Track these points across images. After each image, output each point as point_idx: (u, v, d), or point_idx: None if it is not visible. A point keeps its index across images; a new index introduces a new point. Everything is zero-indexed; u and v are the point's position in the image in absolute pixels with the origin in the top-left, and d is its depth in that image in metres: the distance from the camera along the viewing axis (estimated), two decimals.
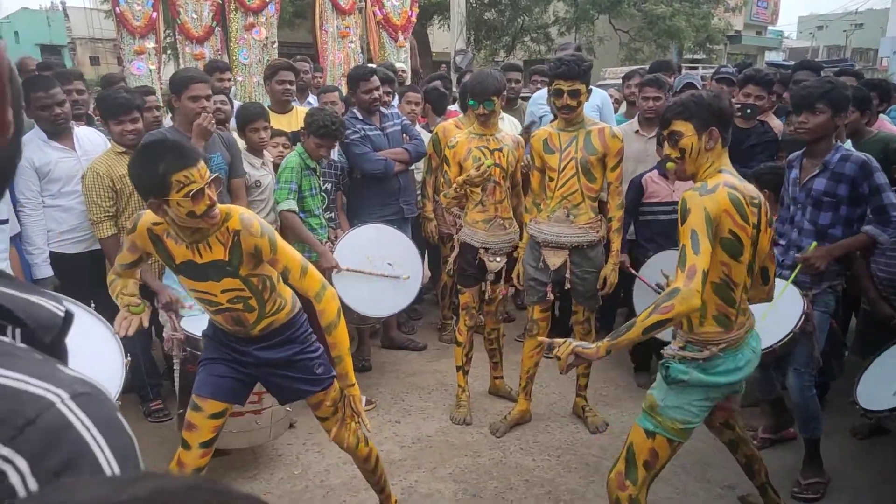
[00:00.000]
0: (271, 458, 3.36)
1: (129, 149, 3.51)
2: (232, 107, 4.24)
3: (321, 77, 6.55)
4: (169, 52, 11.44)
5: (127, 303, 2.45)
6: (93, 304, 3.34)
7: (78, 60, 27.30)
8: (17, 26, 31.59)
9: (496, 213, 3.53)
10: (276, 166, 3.91)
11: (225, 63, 5.89)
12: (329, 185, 4.03)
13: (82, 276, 3.55)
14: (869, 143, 3.56)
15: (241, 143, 3.92)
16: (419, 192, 4.60)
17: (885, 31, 38.71)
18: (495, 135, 3.51)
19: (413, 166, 4.48)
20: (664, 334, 2.47)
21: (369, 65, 5.67)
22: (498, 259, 3.56)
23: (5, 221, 3.26)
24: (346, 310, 3.79)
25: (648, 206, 3.99)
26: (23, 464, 0.48)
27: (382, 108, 4.30)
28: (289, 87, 4.42)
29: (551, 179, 3.36)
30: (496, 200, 3.51)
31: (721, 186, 2.13)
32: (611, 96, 5.64)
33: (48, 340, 0.60)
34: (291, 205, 3.57)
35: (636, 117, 4.41)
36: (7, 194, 0.67)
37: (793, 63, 7.82)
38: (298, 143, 3.75)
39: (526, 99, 5.49)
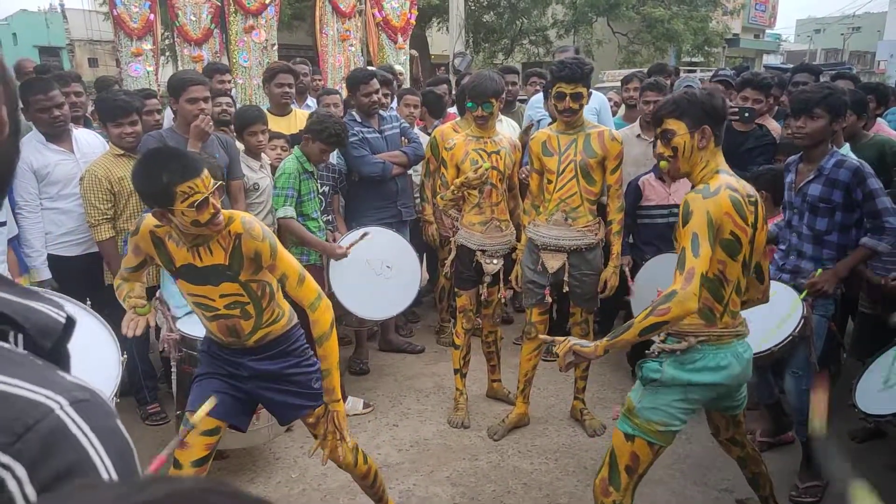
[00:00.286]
0: (269, 462, 3.36)
1: (128, 151, 3.51)
2: (234, 108, 4.25)
3: (320, 80, 6.55)
4: (167, 54, 11.45)
5: (133, 304, 2.45)
6: (88, 302, 3.35)
7: (76, 62, 27.26)
8: (15, 28, 31.60)
9: (492, 216, 3.53)
10: (273, 169, 3.91)
11: (225, 65, 5.90)
12: (326, 188, 4.03)
13: (80, 278, 3.55)
14: (866, 146, 3.57)
15: (240, 146, 3.92)
16: (417, 194, 4.60)
17: (883, 35, 38.86)
18: (493, 137, 3.52)
19: (411, 169, 4.47)
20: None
21: (369, 67, 5.67)
22: (495, 261, 3.56)
23: (3, 224, 3.26)
24: (344, 312, 3.82)
25: (645, 210, 3.99)
26: (21, 471, 0.48)
27: (381, 111, 4.30)
28: (287, 89, 4.42)
29: (550, 182, 3.36)
30: (493, 203, 3.52)
31: (723, 189, 2.13)
32: (610, 99, 5.66)
33: (49, 346, 0.60)
34: (288, 211, 3.56)
35: (638, 121, 4.42)
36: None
37: (791, 66, 7.85)
38: (296, 147, 3.74)
39: (523, 101, 5.50)
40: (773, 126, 4.23)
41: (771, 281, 3.06)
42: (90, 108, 4.93)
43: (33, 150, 3.41)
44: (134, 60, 6.83)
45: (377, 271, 3.86)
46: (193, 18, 7.03)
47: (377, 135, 4.20)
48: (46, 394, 0.52)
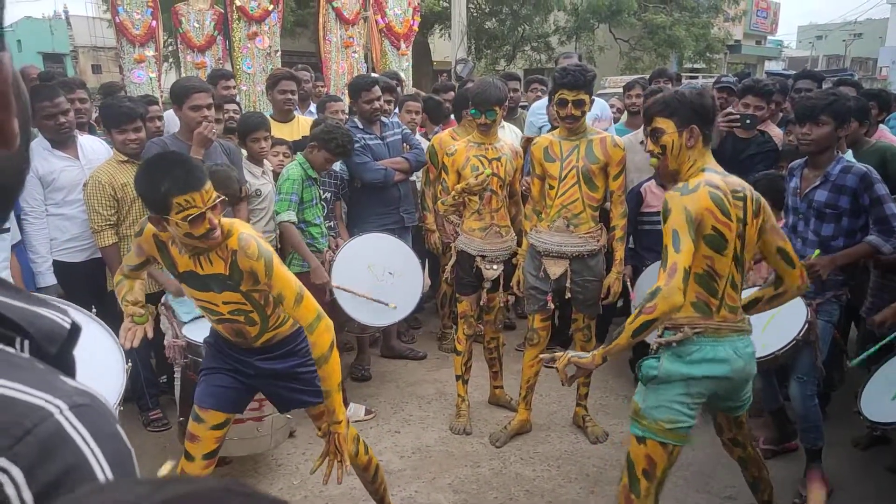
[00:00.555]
0: (271, 468, 3.35)
1: (132, 158, 3.52)
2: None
3: (323, 87, 6.57)
4: (170, 60, 11.50)
5: (131, 312, 2.44)
6: (94, 310, 3.35)
7: (80, 69, 27.42)
8: (19, 35, 31.72)
9: (492, 222, 3.53)
10: (275, 175, 3.92)
11: (229, 71, 5.91)
12: (328, 195, 4.03)
13: (85, 284, 3.56)
14: (867, 152, 3.57)
15: (242, 152, 3.93)
16: (419, 201, 4.61)
17: (884, 41, 38.88)
18: (494, 144, 3.52)
19: (413, 175, 4.48)
20: None
21: (371, 74, 5.69)
22: (494, 267, 3.56)
23: (6, 230, 3.27)
24: (346, 319, 3.82)
25: (647, 216, 3.99)
26: (18, 474, 0.48)
27: (383, 118, 4.31)
28: (290, 96, 4.44)
29: (551, 188, 3.37)
30: (493, 209, 3.52)
31: (702, 186, 2.16)
32: (612, 105, 5.67)
33: (53, 352, 0.60)
34: (291, 216, 3.57)
35: (641, 128, 4.42)
36: None
37: (792, 72, 7.85)
38: (299, 153, 3.75)
39: (525, 108, 5.51)
40: (776, 132, 4.23)
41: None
42: (94, 115, 4.95)
43: (39, 156, 3.42)
44: (136, 67, 6.86)
45: (379, 277, 3.86)
46: (197, 25, 7.06)
47: (379, 141, 4.21)
48: (46, 398, 0.52)
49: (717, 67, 20.14)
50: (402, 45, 8.29)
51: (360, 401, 3.96)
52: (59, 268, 3.51)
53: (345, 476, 2.93)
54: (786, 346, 2.85)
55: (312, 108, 5.23)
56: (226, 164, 3.44)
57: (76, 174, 3.52)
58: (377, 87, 4.19)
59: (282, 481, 3.24)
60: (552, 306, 3.54)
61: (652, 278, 3.68)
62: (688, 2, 17.89)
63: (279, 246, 3.94)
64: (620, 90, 6.19)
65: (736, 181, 2.26)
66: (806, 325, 2.86)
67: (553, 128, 4.16)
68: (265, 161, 3.98)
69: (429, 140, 4.62)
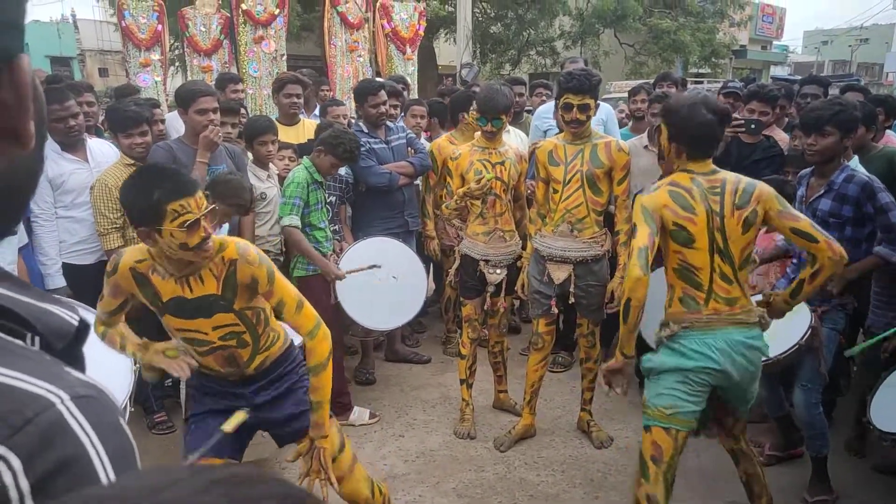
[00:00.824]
0: (274, 473, 3.35)
1: (138, 161, 3.53)
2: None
3: (329, 90, 6.59)
4: (177, 64, 11.54)
5: (163, 348, 2.25)
6: None
7: (87, 72, 27.55)
8: (27, 38, 31.77)
9: (496, 226, 3.53)
10: (281, 179, 3.93)
11: (237, 75, 5.94)
12: (333, 198, 4.04)
13: (94, 286, 3.55)
14: (875, 158, 3.56)
15: (249, 155, 3.95)
16: (420, 206, 4.61)
17: (891, 46, 38.77)
18: (498, 148, 3.53)
19: (418, 179, 4.49)
20: None
21: (377, 79, 5.70)
22: (498, 271, 3.56)
23: (14, 233, 3.28)
24: (350, 322, 3.82)
25: None
26: (17, 462, 0.48)
27: (388, 122, 4.32)
28: (296, 99, 4.46)
29: (555, 192, 3.36)
30: (496, 213, 3.52)
31: (663, 186, 2.37)
32: (621, 111, 5.67)
33: (60, 348, 0.61)
34: (294, 220, 3.57)
35: (646, 132, 4.42)
36: None
37: (798, 78, 7.84)
38: (305, 157, 3.76)
39: (530, 112, 5.52)
40: (781, 136, 4.23)
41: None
42: (101, 118, 4.97)
43: (48, 159, 3.44)
44: (142, 71, 6.89)
45: (383, 281, 3.86)
46: (203, 29, 7.10)
47: (384, 145, 4.22)
48: (48, 388, 0.52)
49: (722, 72, 20.11)
50: (408, 50, 8.32)
51: (365, 404, 3.96)
52: (68, 270, 3.52)
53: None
54: (788, 350, 2.84)
55: (317, 111, 5.25)
56: (237, 173, 3.45)
57: (85, 177, 3.54)
58: (383, 92, 4.20)
59: None
60: (556, 311, 3.54)
61: (657, 282, 3.69)
62: (693, 7, 17.88)
63: (284, 249, 3.95)
64: (625, 95, 6.20)
65: (720, 177, 2.37)
66: (809, 331, 2.85)
67: (561, 131, 4.16)
68: (271, 165, 4.00)
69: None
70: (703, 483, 3.22)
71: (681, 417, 2.33)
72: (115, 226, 3.46)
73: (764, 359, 2.81)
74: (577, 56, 11.77)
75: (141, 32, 6.89)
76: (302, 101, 4.59)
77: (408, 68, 8.20)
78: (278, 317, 2.27)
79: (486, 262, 3.55)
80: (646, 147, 4.31)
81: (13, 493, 0.48)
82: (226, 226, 3.40)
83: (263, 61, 7.24)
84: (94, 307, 2.98)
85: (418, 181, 4.56)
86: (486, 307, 3.65)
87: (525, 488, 3.22)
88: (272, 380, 2.33)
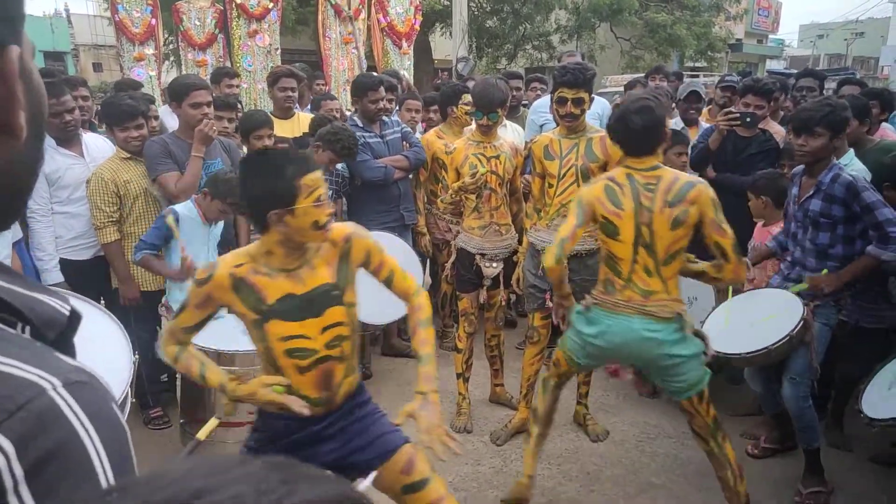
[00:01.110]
0: None
1: (134, 155, 3.51)
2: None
3: (324, 84, 6.57)
4: (171, 58, 11.50)
5: (271, 382, 1.98)
6: (102, 301, 3.35)
7: (81, 67, 27.41)
8: None
9: (492, 220, 3.53)
10: None
11: (233, 70, 5.92)
12: (329, 192, 4.03)
13: (90, 281, 3.55)
14: (871, 151, 3.56)
15: (243, 149, 3.93)
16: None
17: (886, 40, 38.83)
18: (493, 142, 3.52)
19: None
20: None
21: (376, 74, 5.69)
22: (494, 265, 3.56)
23: (8, 227, 3.26)
24: None
25: None
26: (9, 447, 0.48)
27: (384, 116, 4.31)
28: (290, 93, 4.45)
29: (550, 186, 3.36)
30: (492, 207, 3.52)
31: (602, 179, 2.58)
32: (617, 106, 5.66)
33: (52, 337, 0.61)
34: None
35: None
36: None
37: (794, 71, 7.84)
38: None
39: (526, 106, 5.51)
40: (777, 129, 4.23)
41: (773, 289, 3.07)
42: (94, 112, 4.95)
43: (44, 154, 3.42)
44: (136, 65, 6.87)
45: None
46: (198, 23, 7.07)
47: (379, 139, 4.21)
48: (40, 374, 0.53)
49: (718, 66, 20.11)
50: (404, 44, 8.30)
51: None
52: (65, 266, 3.50)
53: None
54: (779, 341, 2.84)
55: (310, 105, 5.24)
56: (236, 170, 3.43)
57: (81, 172, 3.52)
58: (382, 88, 4.20)
59: None
60: (550, 304, 3.53)
61: None
62: (689, 0, 17.87)
63: None
64: (621, 89, 6.20)
65: (657, 174, 2.51)
66: (801, 323, 2.85)
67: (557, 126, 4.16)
68: None
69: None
70: (697, 475, 3.23)
71: (570, 362, 2.76)
72: (111, 219, 3.45)
73: (755, 349, 2.88)
74: (574, 50, 11.77)
75: (135, 26, 6.86)
76: (297, 94, 4.58)
77: (404, 62, 8.18)
78: (389, 286, 2.21)
79: (483, 255, 3.55)
80: None
81: (7, 478, 0.48)
82: (220, 223, 3.39)
83: (257, 55, 7.22)
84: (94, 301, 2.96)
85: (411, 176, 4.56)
86: (482, 301, 3.66)
87: None
88: (352, 409, 2.12)
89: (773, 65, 27.31)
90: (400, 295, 2.23)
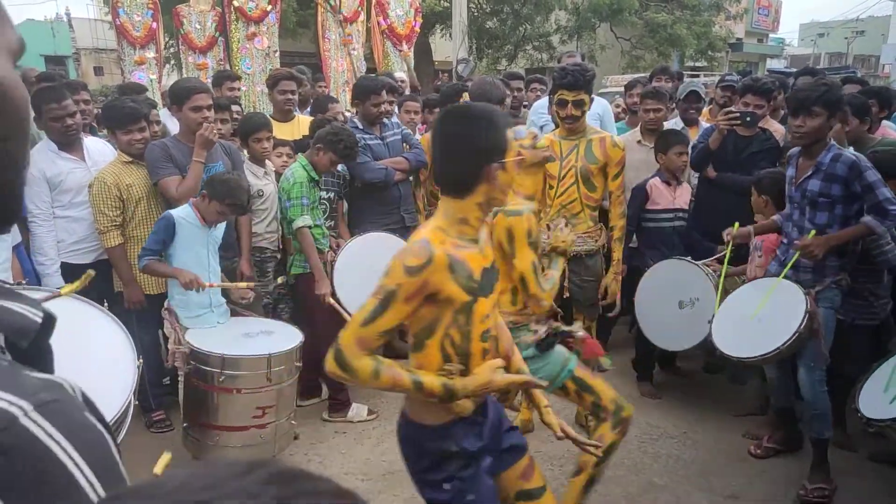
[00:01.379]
0: None
1: (136, 158, 3.52)
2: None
3: (324, 86, 6.58)
4: (172, 62, 11.51)
5: (499, 366, 1.80)
6: (105, 304, 3.35)
7: (82, 71, 27.46)
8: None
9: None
10: (278, 175, 3.92)
11: (234, 73, 5.93)
12: (331, 194, 4.04)
13: (93, 285, 3.55)
14: (872, 149, 3.56)
15: (244, 153, 3.94)
16: None
17: (887, 38, 38.73)
18: None
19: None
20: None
21: (379, 77, 5.70)
22: None
23: (8, 231, 3.26)
24: (348, 319, 3.81)
25: (651, 213, 3.99)
26: None
27: (384, 118, 4.32)
28: (290, 96, 4.45)
29: (551, 187, 3.37)
30: None
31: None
32: (617, 106, 5.67)
33: (25, 345, 0.60)
34: (307, 220, 3.57)
35: (638, 127, 4.43)
36: None
37: (794, 70, 7.83)
38: (301, 155, 3.75)
39: (527, 107, 5.52)
40: (777, 128, 4.23)
41: (772, 277, 3.07)
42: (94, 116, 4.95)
43: (46, 158, 3.43)
44: (137, 69, 6.88)
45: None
46: (198, 26, 7.08)
47: (379, 141, 4.21)
48: (10, 399, 0.51)
49: (718, 66, 20.10)
50: (404, 46, 8.31)
51: (363, 401, 3.96)
52: (67, 270, 3.50)
53: (346, 477, 2.90)
54: (788, 339, 2.88)
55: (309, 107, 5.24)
56: (235, 173, 3.43)
57: (83, 176, 3.53)
58: (385, 91, 4.20)
59: None
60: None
61: (658, 279, 3.71)
62: (689, 0, 17.87)
63: (280, 247, 3.95)
64: (622, 89, 6.20)
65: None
66: (806, 316, 2.88)
67: (557, 127, 4.17)
68: (267, 161, 3.99)
69: None
70: (699, 475, 3.23)
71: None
72: (114, 223, 3.45)
73: (766, 351, 2.92)
74: (574, 50, 11.76)
75: (136, 30, 6.87)
76: (296, 97, 4.58)
77: (404, 65, 8.19)
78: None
79: None
80: (638, 142, 4.32)
81: None
82: (222, 225, 3.39)
83: (256, 58, 7.23)
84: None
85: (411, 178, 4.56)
86: None
87: None
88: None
89: (773, 64, 27.27)
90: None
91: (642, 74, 9.22)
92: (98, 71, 28.48)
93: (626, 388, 4.15)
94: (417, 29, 8.62)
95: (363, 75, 6.74)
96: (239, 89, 5.29)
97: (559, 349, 2.52)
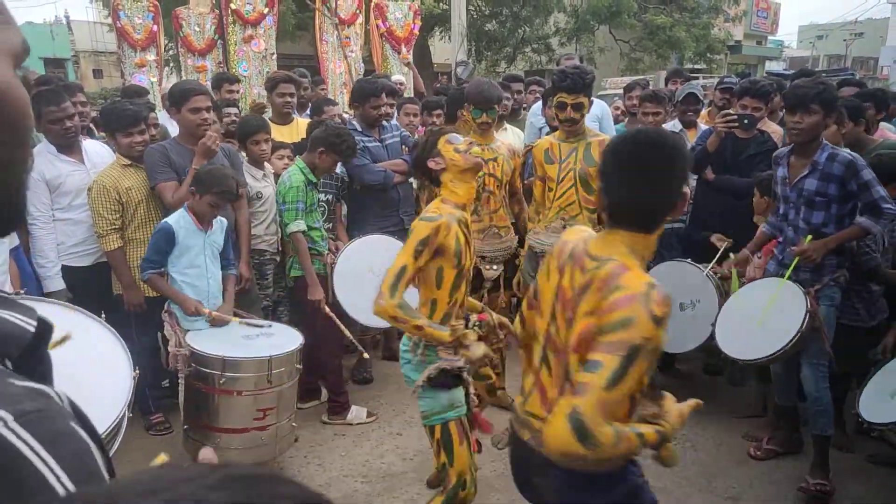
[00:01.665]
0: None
1: (135, 161, 3.52)
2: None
3: (324, 90, 6.58)
4: (171, 64, 11.52)
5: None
6: (103, 315, 3.35)
7: (81, 73, 27.47)
8: None
9: (491, 223, 3.54)
10: (278, 178, 3.92)
11: (234, 75, 5.93)
12: (330, 197, 4.04)
13: (92, 287, 3.56)
14: (872, 151, 3.57)
15: (242, 155, 3.94)
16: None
17: (885, 40, 38.79)
18: (490, 144, 3.53)
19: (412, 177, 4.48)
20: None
21: (378, 80, 5.70)
22: (494, 267, 3.56)
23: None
24: (348, 320, 3.81)
25: None
26: None
27: (384, 121, 4.32)
28: (289, 99, 4.45)
29: (550, 189, 3.38)
30: (491, 210, 3.53)
31: None
32: (616, 108, 5.68)
33: (16, 354, 0.59)
34: (300, 225, 3.57)
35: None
36: None
37: (792, 73, 7.84)
38: (298, 158, 3.75)
39: (527, 109, 5.53)
40: (775, 129, 4.24)
41: (770, 277, 3.11)
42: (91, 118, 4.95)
43: (45, 161, 3.43)
44: (137, 71, 6.89)
45: (381, 279, 3.85)
46: (197, 29, 7.09)
47: (378, 144, 4.22)
48: None
49: (717, 68, 20.13)
50: (403, 49, 8.32)
51: (362, 403, 3.96)
52: (66, 272, 3.51)
53: (345, 479, 2.91)
54: (791, 340, 2.91)
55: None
56: (219, 163, 3.43)
57: (82, 178, 3.53)
58: (385, 94, 4.21)
59: None
60: None
61: (657, 280, 3.71)
62: (688, 2, 17.90)
63: (280, 249, 3.95)
64: (621, 91, 6.22)
65: None
66: (807, 316, 2.89)
67: (552, 129, 4.18)
68: (266, 164, 3.99)
69: None
70: (700, 477, 3.23)
71: None
72: (113, 227, 3.45)
73: (770, 353, 2.96)
74: (573, 53, 11.79)
75: (136, 33, 6.88)
76: (295, 100, 4.59)
77: (403, 68, 8.20)
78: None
79: (483, 258, 3.56)
80: None
81: None
82: (224, 221, 3.39)
83: (253, 60, 7.24)
84: (92, 310, 2.93)
85: (413, 180, 4.56)
86: (485, 304, 3.65)
87: None
88: None
89: (772, 66, 27.31)
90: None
91: (641, 77, 9.24)
92: (97, 74, 28.50)
93: None
94: (416, 31, 8.63)
95: (362, 78, 6.75)
96: (238, 91, 5.29)
97: (458, 394, 2.41)
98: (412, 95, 6.30)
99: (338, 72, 7.80)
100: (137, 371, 2.51)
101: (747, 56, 28.07)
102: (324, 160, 3.61)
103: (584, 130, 3.35)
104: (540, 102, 4.95)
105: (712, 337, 3.31)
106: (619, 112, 5.69)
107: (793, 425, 3.39)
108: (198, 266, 3.22)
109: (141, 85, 6.42)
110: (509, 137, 4.38)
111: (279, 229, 3.88)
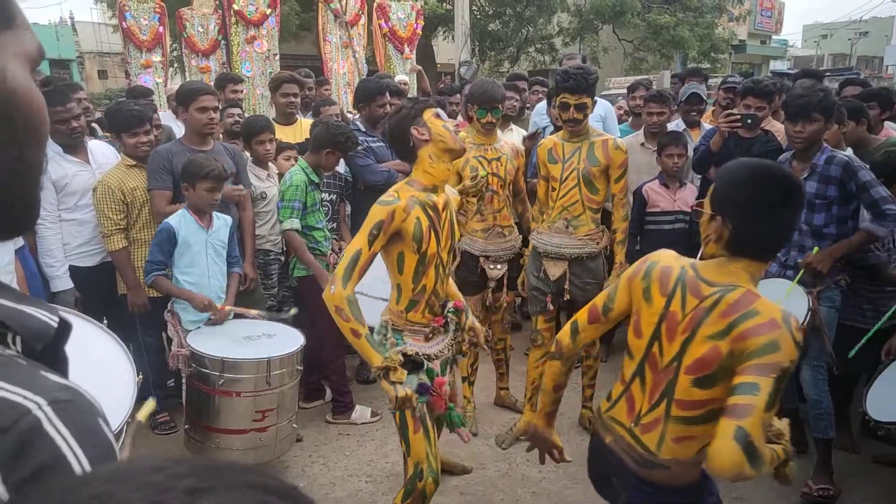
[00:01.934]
0: (277, 471, 3.36)
1: (140, 161, 3.53)
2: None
3: (329, 90, 6.59)
4: (175, 65, 11.56)
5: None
6: (105, 321, 3.35)
7: (86, 74, 27.57)
8: None
9: (494, 222, 3.54)
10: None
11: (237, 75, 5.94)
12: (333, 196, 4.04)
13: (97, 287, 3.57)
14: (876, 150, 3.56)
15: (247, 155, 3.95)
16: None
17: (890, 39, 38.66)
18: (494, 144, 3.53)
19: None
20: None
21: (382, 79, 5.71)
22: (498, 267, 3.57)
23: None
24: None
25: (651, 216, 4.00)
26: None
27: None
28: (293, 99, 4.46)
29: (553, 189, 3.38)
30: (494, 210, 3.53)
31: None
32: (619, 108, 5.68)
33: (39, 348, 0.60)
34: (294, 223, 3.58)
35: (642, 130, 4.45)
36: None
37: (797, 72, 7.83)
38: (301, 158, 3.76)
39: (530, 109, 5.53)
40: (777, 127, 4.23)
41: (772, 278, 3.10)
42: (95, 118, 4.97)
43: (51, 161, 3.44)
44: (143, 72, 6.91)
45: (384, 280, 3.85)
46: (201, 30, 7.11)
47: (382, 143, 4.22)
48: (25, 394, 0.52)
49: (721, 67, 20.09)
50: (406, 49, 8.32)
51: (366, 403, 3.97)
52: (72, 272, 3.51)
53: (350, 479, 2.92)
54: None
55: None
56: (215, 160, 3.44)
57: (87, 179, 3.54)
58: (388, 93, 4.22)
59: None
60: (552, 307, 3.54)
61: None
62: (692, 2, 17.88)
63: (284, 249, 3.95)
64: (624, 91, 6.21)
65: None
66: (809, 314, 2.89)
67: (556, 128, 4.18)
68: (270, 164, 4.00)
69: None
70: None
71: None
72: (118, 227, 3.46)
73: None
74: (576, 53, 11.78)
75: (142, 34, 6.91)
76: (299, 100, 4.59)
77: (406, 68, 8.20)
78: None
79: (487, 258, 3.56)
80: (642, 144, 4.33)
81: None
82: (228, 219, 3.39)
83: (256, 61, 7.26)
84: (97, 310, 2.95)
85: None
86: (487, 303, 3.66)
87: (527, 485, 3.22)
88: None
89: (776, 65, 27.24)
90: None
91: (645, 77, 9.23)
92: (102, 74, 28.58)
93: None
94: (419, 32, 8.64)
95: (365, 78, 6.76)
96: (242, 91, 5.31)
97: (412, 381, 2.40)
98: (417, 95, 6.30)
99: (341, 72, 7.81)
100: (140, 376, 2.51)
101: (751, 55, 28.02)
102: (329, 159, 3.62)
103: (587, 130, 3.35)
104: (544, 102, 4.95)
105: None
106: (622, 112, 5.69)
107: (796, 427, 3.38)
108: (200, 264, 3.23)
109: (146, 86, 6.44)
110: (514, 137, 4.38)
111: (282, 232, 3.89)
